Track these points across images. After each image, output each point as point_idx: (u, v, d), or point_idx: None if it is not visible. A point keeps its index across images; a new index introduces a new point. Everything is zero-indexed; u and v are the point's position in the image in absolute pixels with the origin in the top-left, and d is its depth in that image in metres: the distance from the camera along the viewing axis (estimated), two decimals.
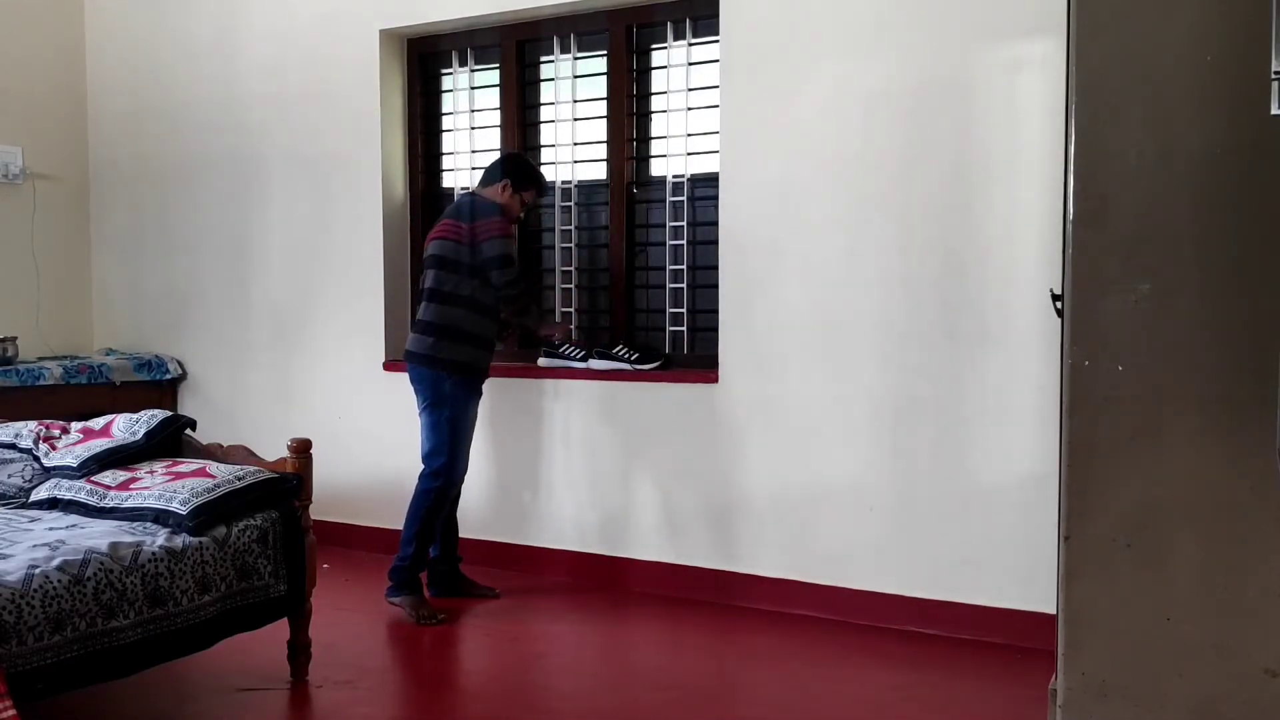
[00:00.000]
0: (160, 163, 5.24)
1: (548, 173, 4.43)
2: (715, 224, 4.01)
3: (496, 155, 4.53)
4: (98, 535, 2.70)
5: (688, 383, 4.03)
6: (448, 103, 4.73)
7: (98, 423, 3.35)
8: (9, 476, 3.28)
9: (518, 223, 4.14)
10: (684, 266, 4.20)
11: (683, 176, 4.18)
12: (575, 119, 4.39)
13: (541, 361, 4.30)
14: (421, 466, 3.87)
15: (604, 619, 3.90)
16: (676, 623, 3.80)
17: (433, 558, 3.97)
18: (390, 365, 4.57)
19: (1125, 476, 1.94)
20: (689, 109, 4.15)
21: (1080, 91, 1.95)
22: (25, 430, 3.41)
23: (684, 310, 4.21)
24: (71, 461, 3.17)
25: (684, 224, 4.19)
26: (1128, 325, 1.92)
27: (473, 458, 3.96)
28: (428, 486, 3.83)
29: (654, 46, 4.25)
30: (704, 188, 4.14)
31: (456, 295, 3.80)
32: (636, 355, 4.16)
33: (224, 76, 5.02)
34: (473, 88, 4.63)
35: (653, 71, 4.26)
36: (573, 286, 4.44)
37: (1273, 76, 1.78)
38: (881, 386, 3.69)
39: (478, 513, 4.29)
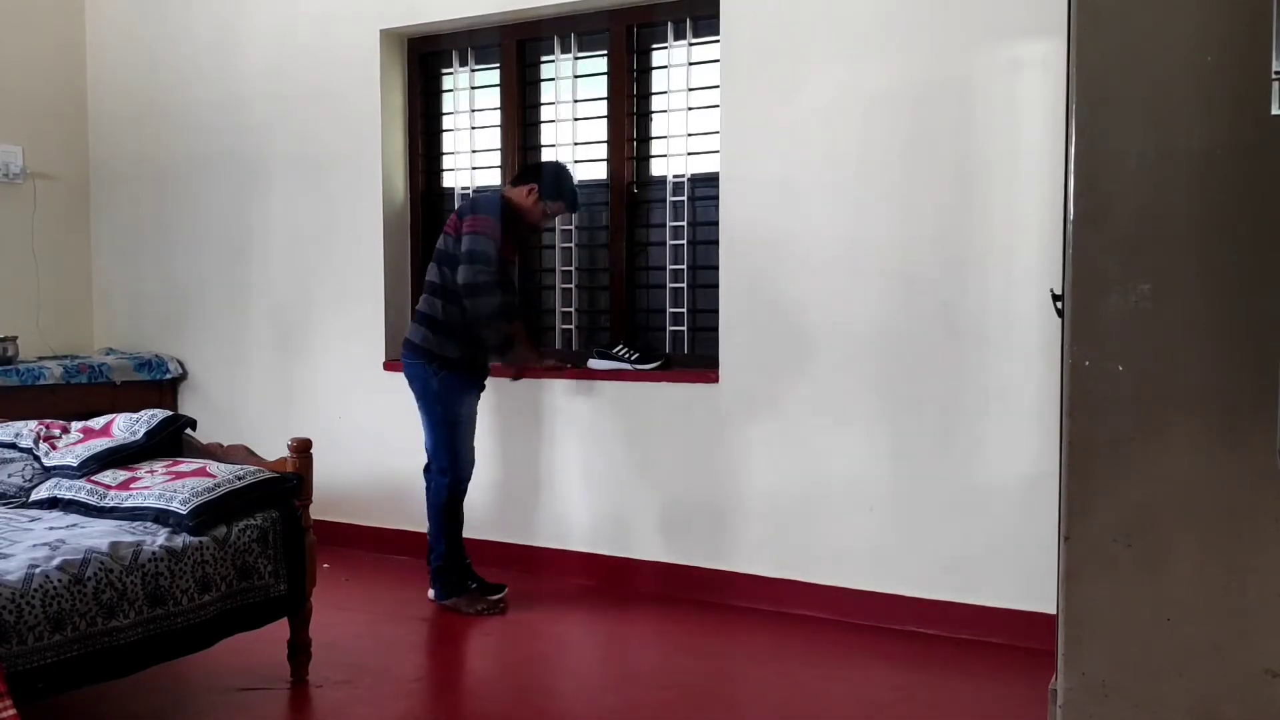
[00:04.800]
0: (160, 163, 5.24)
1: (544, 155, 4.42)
2: (715, 224, 4.01)
3: (497, 152, 4.55)
4: (98, 535, 2.70)
5: (688, 383, 4.03)
6: (448, 102, 4.73)
7: (98, 422, 3.35)
8: (9, 476, 3.28)
9: (536, 231, 4.11)
10: (684, 266, 4.20)
11: (683, 176, 4.18)
12: (575, 119, 4.38)
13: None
14: (426, 462, 3.91)
15: (604, 619, 3.90)
16: (677, 623, 3.80)
17: None
18: (390, 365, 4.57)
19: (1125, 476, 1.94)
20: (689, 109, 4.15)
21: (1080, 92, 1.95)
22: (25, 430, 3.41)
23: (684, 310, 4.21)
24: (72, 461, 3.17)
25: (684, 224, 4.19)
26: (1128, 325, 1.92)
27: (475, 458, 3.96)
28: (437, 483, 3.86)
29: (654, 46, 4.25)
30: (704, 188, 4.14)
31: (449, 290, 3.77)
32: (636, 355, 4.15)
33: (224, 76, 5.02)
34: (473, 87, 4.63)
35: (653, 71, 4.25)
36: (573, 286, 4.44)
37: (1273, 76, 1.78)
38: (881, 386, 3.69)
39: (479, 513, 4.28)
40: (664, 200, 4.23)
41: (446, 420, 3.80)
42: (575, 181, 4.05)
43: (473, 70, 4.63)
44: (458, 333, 3.78)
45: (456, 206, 4.58)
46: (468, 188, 4.65)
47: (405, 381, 3.92)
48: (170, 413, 3.35)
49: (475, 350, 3.83)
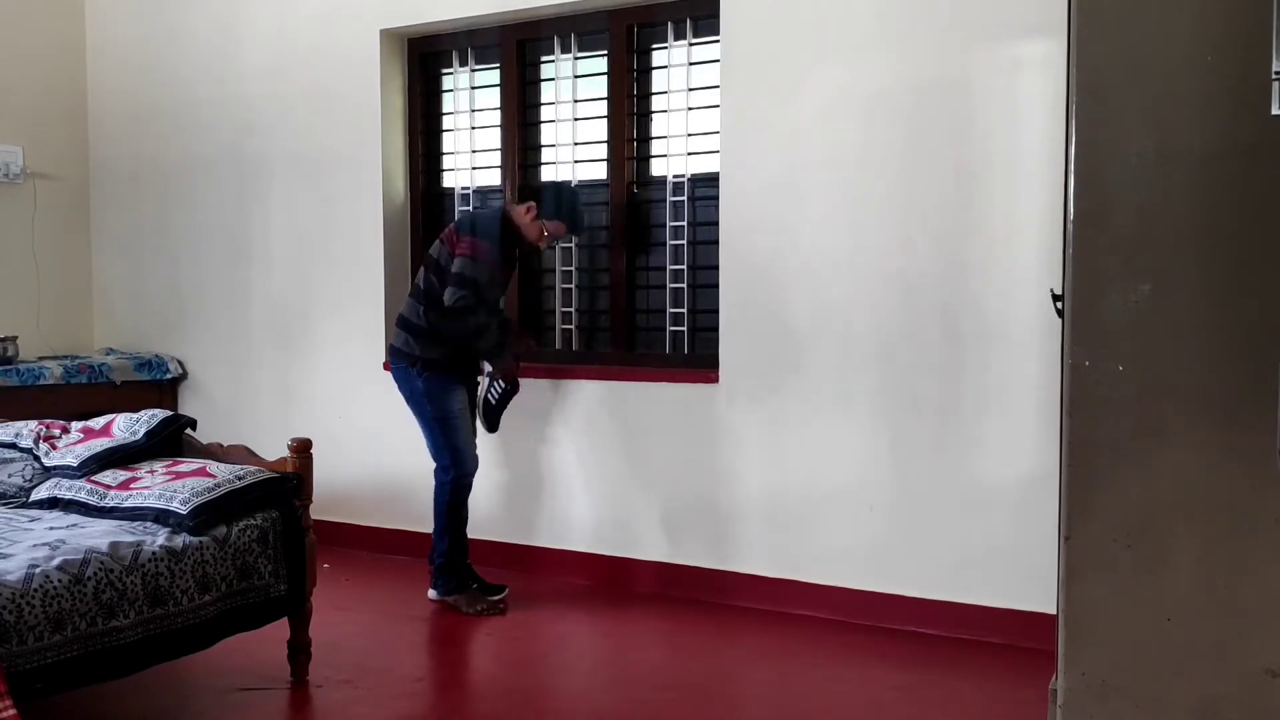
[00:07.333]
0: (160, 163, 5.24)
1: (548, 173, 4.43)
2: (715, 224, 4.01)
3: (498, 152, 4.55)
4: (98, 535, 2.71)
5: (688, 383, 4.03)
6: (448, 102, 4.73)
7: (98, 422, 3.35)
8: (9, 476, 3.28)
9: (534, 252, 4.08)
10: (684, 266, 4.20)
11: (683, 176, 4.18)
12: (575, 119, 4.38)
13: None
14: (433, 463, 3.92)
15: (605, 619, 3.90)
16: (677, 622, 3.80)
17: None
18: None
19: (1125, 476, 1.94)
20: (689, 109, 4.15)
21: (1080, 92, 1.95)
22: (25, 430, 3.41)
23: (684, 310, 4.21)
24: (72, 461, 3.17)
25: (684, 224, 4.19)
26: (1128, 325, 1.92)
27: (478, 454, 3.96)
28: (441, 481, 3.89)
29: (654, 46, 4.24)
30: (704, 188, 4.14)
31: (433, 297, 3.78)
32: None
33: (224, 76, 5.02)
34: (473, 87, 4.63)
35: (653, 71, 4.25)
36: (573, 286, 4.44)
37: (1273, 76, 1.77)
38: (882, 386, 3.69)
39: (480, 513, 4.28)
40: (664, 200, 4.23)
41: (438, 417, 3.82)
42: (581, 204, 4.01)
43: (473, 70, 4.63)
44: (438, 336, 3.80)
45: (457, 215, 4.58)
46: (468, 187, 4.65)
47: None
48: (170, 413, 3.36)
49: (459, 352, 3.84)
